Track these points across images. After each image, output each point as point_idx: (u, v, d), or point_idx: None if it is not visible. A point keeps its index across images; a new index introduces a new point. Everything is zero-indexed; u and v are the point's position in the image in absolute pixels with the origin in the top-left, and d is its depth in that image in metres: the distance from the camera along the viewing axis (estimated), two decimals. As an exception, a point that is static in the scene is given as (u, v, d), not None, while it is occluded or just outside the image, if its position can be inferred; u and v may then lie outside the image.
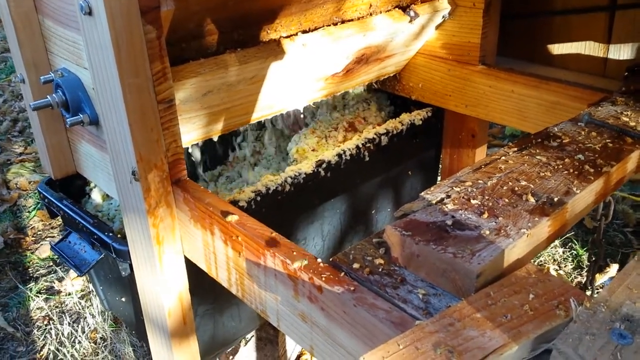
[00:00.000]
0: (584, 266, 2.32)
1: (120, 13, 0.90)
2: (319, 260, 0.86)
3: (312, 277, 0.83)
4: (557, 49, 1.64)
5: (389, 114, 1.89)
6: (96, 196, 1.52)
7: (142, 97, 0.98)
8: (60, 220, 1.41)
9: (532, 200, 0.86)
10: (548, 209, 0.84)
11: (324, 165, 1.45)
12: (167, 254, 1.13)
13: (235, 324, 1.50)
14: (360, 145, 1.53)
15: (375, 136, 1.57)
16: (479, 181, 0.92)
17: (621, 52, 1.52)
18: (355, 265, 0.82)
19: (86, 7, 0.93)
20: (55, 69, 1.20)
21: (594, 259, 1.75)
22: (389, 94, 1.90)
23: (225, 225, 0.98)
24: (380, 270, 0.81)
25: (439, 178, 2.06)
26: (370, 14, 1.47)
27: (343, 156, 1.49)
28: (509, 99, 1.50)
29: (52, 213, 1.42)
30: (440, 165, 1.96)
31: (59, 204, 1.35)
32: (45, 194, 1.39)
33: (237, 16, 1.19)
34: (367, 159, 1.56)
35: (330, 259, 0.85)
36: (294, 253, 0.89)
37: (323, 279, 0.82)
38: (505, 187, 0.90)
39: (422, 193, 0.89)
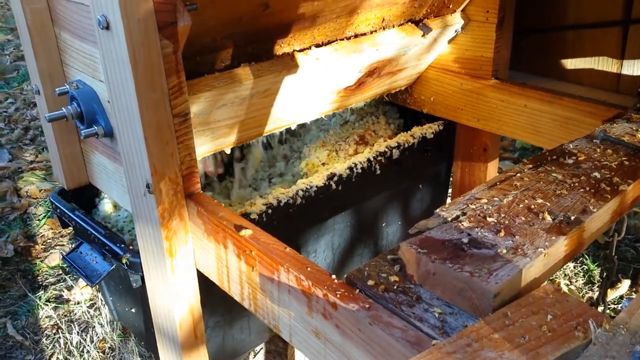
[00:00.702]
0: (596, 281, 2.30)
1: (137, 28, 0.91)
2: (334, 276, 0.86)
3: (326, 293, 0.83)
4: (570, 64, 1.64)
5: (399, 127, 1.89)
6: (105, 207, 1.52)
7: (158, 111, 0.98)
8: (71, 229, 1.42)
9: (548, 218, 0.86)
10: (565, 228, 0.83)
11: (335, 179, 1.45)
12: (179, 266, 1.13)
13: (245, 337, 1.49)
14: (372, 159, 1.53)
15: (386, 149, 1.57)
16: (495, 198, 0.91)
17: (635, 68, 1.51)
18: (370, 282, 0.82)
19: (104, 22, 0.94)
20: (71, 81, 1.21)
21: (605, 274, 1.73)
22: (398, 107, 1.90)
23: (239, 239, 0.98)
24: (395, 287, 0.80)
25: (449, 191, 2.05)
26: (383, 28, 1.48)
27: (354, 169, 1.49)
28: (522, 114, 1.50)
29: (63, 223, 1.42)
30: (451, 179, 1.95)
31: (71, 215, 1.36)
32: (58, 205, 1.39)
33: (252, 31, 1.19)
34: (378, 172, 1.55)
35: (345, 276, 0.85)
36: (308, 269, 0.88)
37: (338, 295, 0.81)
38: (521, 205, 0.89)
39: (438, 210, 0.89)
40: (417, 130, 1.66)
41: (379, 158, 1.55)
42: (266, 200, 1.32)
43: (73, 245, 1.39)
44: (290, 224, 1.38)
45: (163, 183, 1.04)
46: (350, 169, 1.49)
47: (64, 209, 1.38)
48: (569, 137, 1.25)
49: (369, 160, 1.53)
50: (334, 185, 1.45)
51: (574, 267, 2.37)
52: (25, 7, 1.20)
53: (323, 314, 0.85)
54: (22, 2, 1.20)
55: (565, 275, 2.33)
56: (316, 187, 1.41)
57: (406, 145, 1.61)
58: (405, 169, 1.67)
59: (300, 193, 1.38)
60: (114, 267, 1.28)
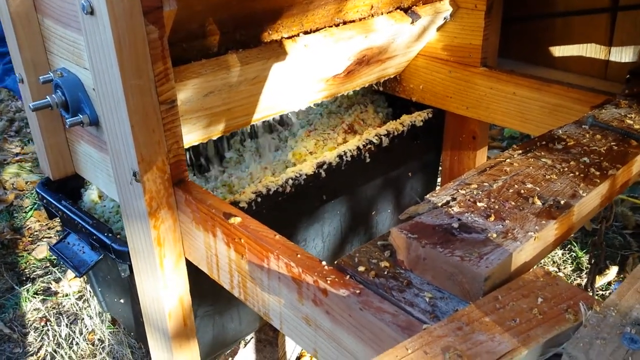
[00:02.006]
0: (584, 268, 2.32)
1: (122, 13, 0.89)
2: (324, 263, 0.85)
3: (316, 280, 0.82)
4: (558, 51, 1.64)
5: (387, 116, 1.89)
6: (90, 198, 1.50)
7: (144, 98, 0.97)
8: (57, 220, 1.40)
9: (538, 203, 0.86)
10: (555, 212, 0.83)
11: (324, 167, 1.44)
12: (168, 256, 1.12)
13: (235, 326, 1.49)
14: (361, 147, 1.53)
15: (376, 138, 1.56)
16: (485, 184, 0.91)
17: (623, 54, 1.52)
18: (361, 268, 0.81)
19: (88, 7, 0.92)
20: (55, 69, 1.19)
21: (593, 261, 1.75)
22: (387, 96, 1.89)
23: (228, 227, 0.97)
24: (385, 273, 0.80)
25: (439, 180, 2.05)
26: (372, 15, 1.47)
27: (344, 157, 1.49)
28: (510, 101, 1.50)
29: (50, 214, 1.41)
30: (440, 167, 1.95)
31: (58, 205, 1.34)
32: (44, 195, 1.37)
33: (240, 16, 1.18)
34: (367, 160, 1.55)
35: (335, 262, 0.84)
36: (298, 256, 0.88)
37: (328, 282, 0.81)
38: (511, 190, 0.89)
39: (428, 195, 0.88)
40: (406, 119, 1.66)
41: (369, 146, 1.54)
42: (255, 189, 1.31)
43: (61, 236, 1.38)
44: (279, 213, 1.37)
45: (150, 171, 1.03)
46: (340, 157, 1.48)
47: (51, 199, 1.36)
48: (557, 124, 1.25)
49: (358, 148, 1.52)
50: (323, 174, 1.44)
51: (562, 255, 2.39)
52: (7, -7, 1.18)
53: (313, 300, 0.84)
54: (4, -12, 1.17)
55: (553, 262, 2.35)
56: (306, 175, 1.40)
57: (395, 133, 1.60)
58: (395, 157, 1.67)
59: (290, 181, 1.37)
60: (101, 257, 1.27)
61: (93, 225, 1.25)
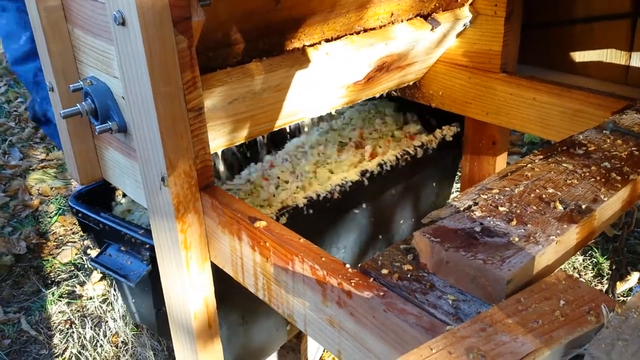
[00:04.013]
0: (605, 274, 2.30)
1: (153, 23, 0.93)
2: (348, 266, 0.87)
3: (340, 282, 0.84)
4: (578, 56, 1.64)
5: (405, 123, 1.92)
6: (119, 211, 1.52)
7: (173, 105, 1.00)
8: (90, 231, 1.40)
9: (560, 207, 0.87)
10: (576, 217, 0.84)
11: (367, 175, 1.50)
12: (194, 258, 1.15)
13: (264, 338, 1.51)
14: (399, 156, 1.60)
15: (412, 149, 1.63)
16: (506, 188, 0.93)
17: (643, 59, 1.52)
18: (384, 271, 0.83)
19: (120, 18, 0.95)
20: (84, 78, 1.23)
21: (614, 267, 1.74)
22: (402, 102, 1.92)
23: (253, 231, 1.00)
24: (409, 276, 0.82)
25: (456, 185, 2.07)
26: (392, 23, 1.49)
27: (365, 174, 1.52)
28: (530, 107, 1.50)
29: (85, 227, 1.40)
30: (460, 173, 1.96)
31: (97, 217, 1.34)
32: (79, 209, 1.38)
33: (263, 25, 1.21)
34: (399, 169, 1.60)
35: (359, 265, 0.86)
36: (322, 259, 0.90)
37: (352, 284, 0.83)
38: (532, 195, 0.91)
39: (450, 200, 0.90)
40: (438, 132, 1.74)
41: (405, 156, 1.61)
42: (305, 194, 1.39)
43: (100, 249, 1.38)
44: (325, 217, 1.43)
45: (178, 176, 1.06)
46: (362, 173, 1.52)
47: (89, 213, 1.36)
48: (577, 130, 1.26)
49: (396, 157, 1.60)
50: (366, 181, 1.52)
51: (583, 260, 2.38)
52: (39, 4, 1.22)
53: (337, 302, 0.86)
54: (37, 0, 1.21)
55: (574, 268, 2.34)
56: (351, 182, 1.47)
57: (428, 146, 1.68)
58: (422, 167, 1.72)
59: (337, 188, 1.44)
60: (151, 266, 1.29)
61: (144, 235, 1.26)
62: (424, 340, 0.72)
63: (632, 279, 2.28)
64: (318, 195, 1.40)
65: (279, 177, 1.60)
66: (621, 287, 2.22)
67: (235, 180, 1.59)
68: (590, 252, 2.39)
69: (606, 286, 2.21)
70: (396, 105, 1.95)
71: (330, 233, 1.52)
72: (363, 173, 1.51)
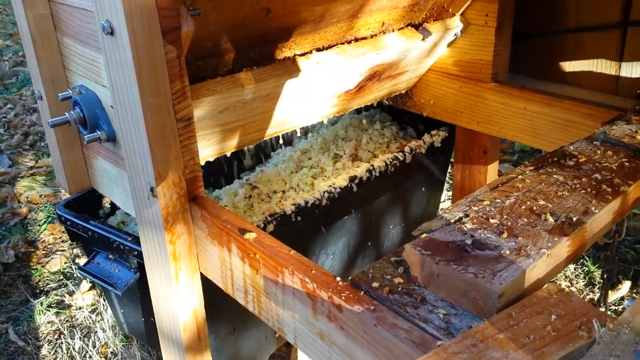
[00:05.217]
0: (596, 283, 2.30)
1: (142, 33, 0.92)
2: (338, 279, 0.86)
3: (331, 295, 0.83)
4: (569, 66, 1.65)
5: (396, 132, 1.91)
6: (114, 222, 1.51)
7: (162, 115, 0.99)
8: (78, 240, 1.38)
9: (550, 219, 0.86)
10: (567, 229, 0.84)
11: (356, 181, 1.49)
12: (183, 270, 1.14)
13: (254, 346, 1.50)
14: (388, 162, 1.59)
15: (401, 154, 1.62)
16: (497, 200, 0.92)
17: (633, 69, 1.52)
18: (375, 284, 0.82)
19: (108, 27, 0.94)
20: (73, 86, 1.22)
21: (606, 275, 1.74)
22: (395, 111, 1.92)
23: (243, 242, 0.99)
24: (399, 289, 0.81)
25: (447, 193, 2.06)
26: (383, 32, 1.49)
27: (354, 180, 1.51)
28: (521, 117, 1.51)
29: (73, 235, 1.39)
30: (451, 181, 1.96)
31: (86, 225, 1.33)
32: (68, 217, 1.36)
33: (254, 35, 1.20)
34: (386, 176, 1.58)
35: (349, 278, 0.85)
36: (313, 271, 0.89)
37: (342, 297, 0.82)
38: (523, 207, 0.90)
39: (440, 211, 0.89)
40: (427, 138, 1.73)
41: (394, 162, 1.60)
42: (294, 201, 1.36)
43: (88, 257, 1.36)
44: (292, 229, 1.39)
45: (167, 187, 1.05)
46: (351, 179, 1.51)
47: (77, 220, 1.34)
48: (568, 140, 1.26)
49: (385, 163, 1.59)
50: (355, 187, 1.51)
51: (575, 269, 2.38)
52: (28, 13, 1.21)
53: (328, 316, 0.85)
54: (25, 8, 1.20)
55: (566, 277, 2.34)
56: (340, 188, 1.46)
57: (417, 151, 1.67)
58: (411, 172, 1.71)
59: (326, 195, 1.43)
60: (138, 275, 1.27)
61: (133, 242, 1.25)
62: (415, 355, 0.71)
63: (624, 287, 2.28)
64: (306, 202, 1.40)
65: (269, 184, 1.60)
66: (613, 296, 2.22)
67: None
68: (581, 260, 2.40)
69: (598, 295, 2.21)
70: (389, 116, 1.96)
71: (318, 239, 1.52)
72: (352, 179, 1.50)
